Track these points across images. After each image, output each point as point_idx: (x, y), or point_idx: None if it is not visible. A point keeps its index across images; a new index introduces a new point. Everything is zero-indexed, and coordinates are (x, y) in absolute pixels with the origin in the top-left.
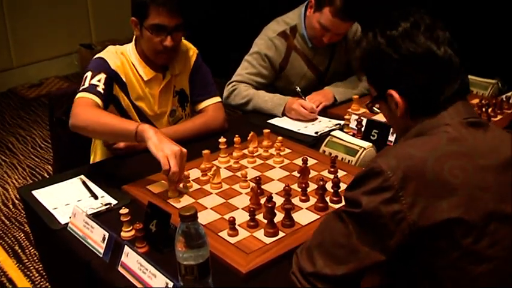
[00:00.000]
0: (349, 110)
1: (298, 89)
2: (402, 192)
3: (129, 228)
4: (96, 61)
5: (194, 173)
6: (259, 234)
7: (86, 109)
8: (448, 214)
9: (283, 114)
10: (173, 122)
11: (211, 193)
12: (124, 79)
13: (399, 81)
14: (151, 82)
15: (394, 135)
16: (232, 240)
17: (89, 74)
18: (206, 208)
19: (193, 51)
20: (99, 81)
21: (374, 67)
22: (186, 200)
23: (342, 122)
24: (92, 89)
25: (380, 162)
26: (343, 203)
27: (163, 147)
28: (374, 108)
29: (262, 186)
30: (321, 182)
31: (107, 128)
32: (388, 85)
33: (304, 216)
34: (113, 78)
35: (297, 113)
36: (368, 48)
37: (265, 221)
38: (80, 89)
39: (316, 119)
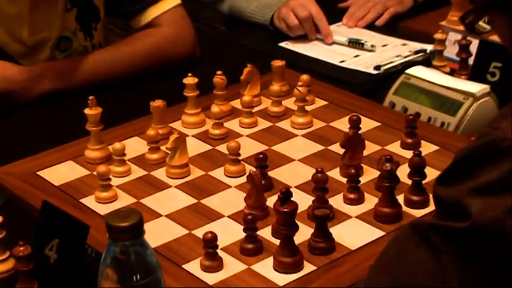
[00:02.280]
0: (443, 23)
1: None
2: None
3: (4, 256)
4: None
5: (135, 146)
6: (264, 266)
7: None
8: None
9: (272, 24)
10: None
11: (169, 185)
12: None
13: None
14: None
15: None
16: (211, 279)
17: None
18: (159, 215)
19: None
20: None
21: None
22: (122, 199)
23: (429, 48)
24: None
25: (505, 128)
26: (432, 207)
27: None
28: (481, 24)
29: (270, 173)
30: (388, 166)
31: None
32: None
33: (354, 233)
34: None
35: (285, 21)
36: None
37: (277, 241)
38: None
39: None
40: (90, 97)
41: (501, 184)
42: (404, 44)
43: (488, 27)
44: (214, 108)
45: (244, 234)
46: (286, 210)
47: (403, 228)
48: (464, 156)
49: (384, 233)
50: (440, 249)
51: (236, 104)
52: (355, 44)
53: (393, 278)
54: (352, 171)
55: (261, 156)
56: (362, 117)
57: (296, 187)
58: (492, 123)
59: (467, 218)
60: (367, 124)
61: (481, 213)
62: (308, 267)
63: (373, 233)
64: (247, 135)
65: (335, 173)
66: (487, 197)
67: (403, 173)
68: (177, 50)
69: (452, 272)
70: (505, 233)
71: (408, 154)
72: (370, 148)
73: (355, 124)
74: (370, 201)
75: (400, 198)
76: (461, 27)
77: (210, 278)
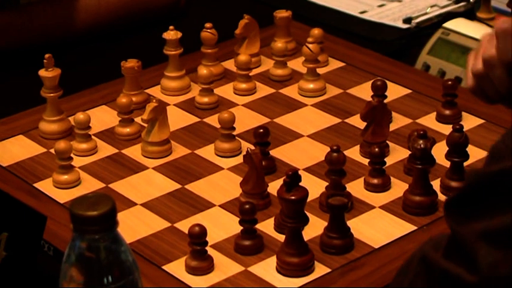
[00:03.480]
0: None
1: None
2: None
3: None
4: None
5: (102, 117)
6: (265, 268)
7: None
8: None
9: None
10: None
11: (145, 167)
12: None
13: None
14: None
15: None
16: (199, 283)
17: None
18: (134, 204)
19: None
20: None
21: None
22: (86, 184)
23: None
24: None
25: None
26: None
27: None
28: None
29: (272, 152)
30: (420, 143)
31: None
32: None
33: (378, 227)
34: None
35: None
36: None
37: (281, 237)
38: None
39: None
40: (47, 55)
41: None
42: None
43: None
44: (202, 70)
45: (241, 227)
46: (293, 198)
47: (416, 260)
48: (476, 184)
49: (415, 228)
50: None
51: (230, 65)
52: None
53: None
54: (376, 150)
55: (261, 130)
56: (388, 83)
57: (305, 169)
58: (509, 141)
59: (476, 269)
60: (394, 91)
61: (491, 267)
62: (320, 269)
63: (401, 227)
64: (244, 105)
65: (354, 152)
66: (500, 246)
67: (439, 152)
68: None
69: None
70: None
71: (446, 129)
72: (399, 121)
73: (379, 91)
74: (398, 188)
75: (436, 184)
76: None
77: (198, 282)
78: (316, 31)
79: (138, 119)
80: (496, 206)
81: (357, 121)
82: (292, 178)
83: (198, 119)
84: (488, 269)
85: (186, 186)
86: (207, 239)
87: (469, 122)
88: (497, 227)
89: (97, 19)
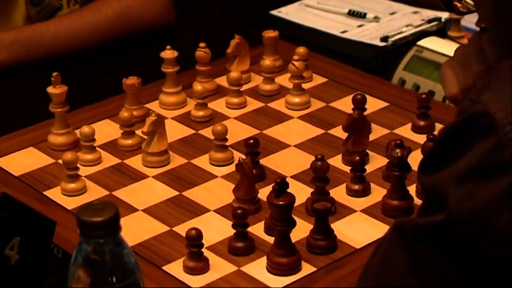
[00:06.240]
0: None
1: None
2: None
3: None
4: None
5: (106, 130)
6: (256, 267)
7: None
8: None
9: None
10: (40, 15)
11: (145, 175)
12: None
13: None
14: None
15: None
16: (196, 282)
17: None
18: (135, 210)
19: None
20: None
21: None
22: (91, 191)
23: (444, 16)
24: None
25: (487, 100)
26: None
27: None
28: (468, 1)
29: (262, 161)
30: (397, 152)
31: None
32: None
33: (359, 229)
34: None
35: None
36: None
37: (271, 239)
38: None
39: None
40: (54, 73)
41: (482, 168)
42: (415, 12)
43: (469, 1)
44: (197, 86)
45: (234, 231)
46: (281, 203)
47: (389, 229)
48: (444, 137)
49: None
50: (421, 256)
51: (222, 81)
52: (356, 15)
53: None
54: (357, 158)
55: (252, 141)
56: (367, 96)
57: (292, 177)
58: (472, 96)
59: (443, 208)
60: (373, 104)
61: (457, 203)
62: (307, 268)
63: (380, 229)
64: (236, 118)
65: (337, 161)
66: (466, 184)
67: (415, 160)
68: (149, 13)
69: (435, 281)
70: (487, 228)
71: (420, 138)
72: (377, 132)
73: (359, 104)
74: (377, 193)
75: (412, 190)
76: None
77: (195, 281)
78: (301, 49)
79: (138, 132)
80: (461, 152)
81: (339, 132)
82: (281, 185)
83: (194, 131)
84: (455, 205)
85: (184, 193)
86: (203, 241)
87: None
88: (461, 168)
89: (95, 37)
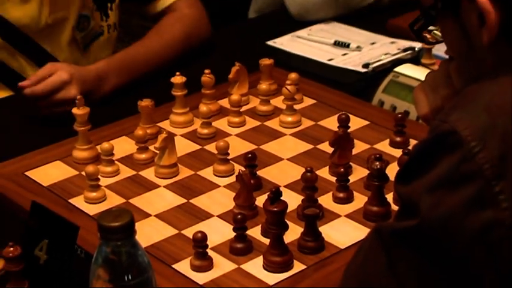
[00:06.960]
0: None
1: None
2: (500, 184)
3: None
4: None
5: (123, 146)
6: (254, 266)
7: None
8: None
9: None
10: (84, 40)
11: (157, 185)
12: None
13: None
14: None
15: None
16: (201, 278)
17: None
18: (149, 215)
19: None
20: None
21: None
22: (110, 199)
23: (418, 46)
24: None
25: (454, 121)
26: None
27: None
28: (437, 33)
29: (259, 172)
30: (377, 164)
31: None
32: None
33: (343, 232)
34: None
35: None
36: None
37: (266, 241)
38: None
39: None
40: (78, 96)
41: (450, 179)
42: (392, 42)
43: (436, 34)
44: (203, 108)
45: (234, 233)
46: (276, 209)
47: (370, 232)
48: (417, 152)
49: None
50: (397, 258)
51: (224, 103)
52: (340, 45)
53: (358, 285)
54: (341, 170)
55: (250, 155)
56: (351, 116)
57: (285, 186)
58: (441, 116)
59: (416, 214)
60: (355, 123)
61: (428, 210)
62: (298, 266)
63: (362, 231)
64: (236, 135)
65: (324, 172)
66: (436, 193)
67: (392, 171)
68: (200, 32)
69: (409, 280)
70: (454, 233)
71: (397, 153)
72: (359, 147)
73: (343, 123)
74: (359, 200)
75: (389, 197)
76: None
77: (200, 278)
78: (293, 75)
79: (151, 147)
80: (432, 165)
81: (326, 147)
82: (275, 193)
83: (200, 147)
84: (426, 212)
85: (191, 201)
86: (208, 243)
87: None
88: (432, 179)
89: (169, 57)
